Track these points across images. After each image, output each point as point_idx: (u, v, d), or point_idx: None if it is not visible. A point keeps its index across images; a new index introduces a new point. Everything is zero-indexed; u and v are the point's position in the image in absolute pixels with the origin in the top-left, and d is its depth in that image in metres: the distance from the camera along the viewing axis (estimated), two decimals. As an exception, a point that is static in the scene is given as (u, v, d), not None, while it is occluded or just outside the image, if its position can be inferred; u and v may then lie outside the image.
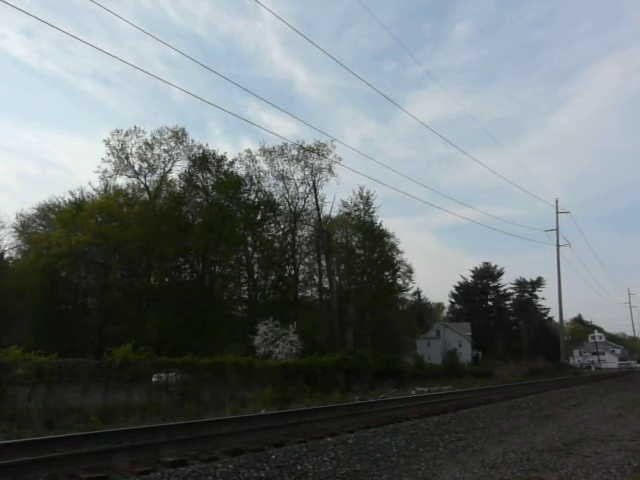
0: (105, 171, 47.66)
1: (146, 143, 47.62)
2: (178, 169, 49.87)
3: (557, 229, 62.05)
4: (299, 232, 54.67)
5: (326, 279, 51.66)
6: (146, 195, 50.08)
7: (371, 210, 55.05)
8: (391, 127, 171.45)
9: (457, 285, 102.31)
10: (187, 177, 49.48)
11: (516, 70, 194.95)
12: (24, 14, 10.39)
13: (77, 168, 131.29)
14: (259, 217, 52.57)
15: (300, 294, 54.85)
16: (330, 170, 50.05)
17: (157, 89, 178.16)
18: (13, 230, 56.31)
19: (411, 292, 78.95)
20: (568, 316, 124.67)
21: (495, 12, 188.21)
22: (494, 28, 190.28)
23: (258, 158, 51.60)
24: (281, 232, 54.15)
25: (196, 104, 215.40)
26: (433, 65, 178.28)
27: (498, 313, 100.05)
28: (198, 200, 50.73)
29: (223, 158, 49.98)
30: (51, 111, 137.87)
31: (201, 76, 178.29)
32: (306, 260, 56.58)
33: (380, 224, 56.62)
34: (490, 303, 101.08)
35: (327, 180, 50.83)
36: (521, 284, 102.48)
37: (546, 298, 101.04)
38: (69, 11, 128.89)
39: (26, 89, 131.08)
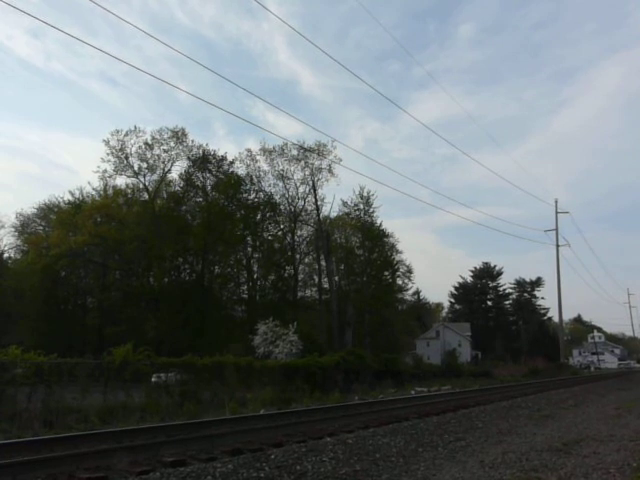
0: (105, 171, 47.62)
1: (146, 143, 47.60)
2: (178, 169, 49.87)
3: (556, 229, 62.17)
4: (299, 232, 54.74)
5: (325, 279, 51.67)
6: (145, 195, 50.04)
7: (371, 210, 55.06)
8: (395, 127, 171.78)
9: (456, 285, 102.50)
10: (187, 177, 49.49)
11: (520, 71, 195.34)
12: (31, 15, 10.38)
13: (81, 168, 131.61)
14: (259, 217, 52.59)
15: (299, 294, 54.86)
16: (330, 171, 50.17)
17: (163, 89, 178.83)
18: (13, 230, 56.32)
19: (411, 292, 78.95)
20: (567, 316, 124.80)
21: (499, 13, 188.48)
22: (498, 29, 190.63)
23: (258, 158, 51.77)
24: (281, 232, 54.16)
25: (201, 104, 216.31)
26: (438, 66, 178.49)
27: (497, 313, 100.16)
28: (197, 200, 50.75)
29: (223, 158, 50.03)
30: (55, 111, 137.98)
31: (207, 76, 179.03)
32: (306, 260, 56.62)
33: (380, 224, 56.72)
34: (489, 303, 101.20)
35: (327, 180, 50.95)
36: (520, 284, 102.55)
37: (545, 298, 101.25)
38: (76, 12, 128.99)
39: (31, 89, 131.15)
